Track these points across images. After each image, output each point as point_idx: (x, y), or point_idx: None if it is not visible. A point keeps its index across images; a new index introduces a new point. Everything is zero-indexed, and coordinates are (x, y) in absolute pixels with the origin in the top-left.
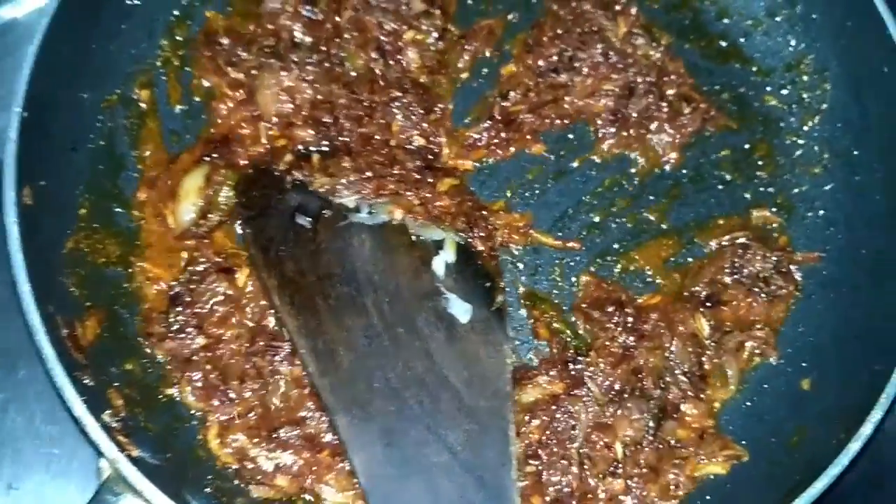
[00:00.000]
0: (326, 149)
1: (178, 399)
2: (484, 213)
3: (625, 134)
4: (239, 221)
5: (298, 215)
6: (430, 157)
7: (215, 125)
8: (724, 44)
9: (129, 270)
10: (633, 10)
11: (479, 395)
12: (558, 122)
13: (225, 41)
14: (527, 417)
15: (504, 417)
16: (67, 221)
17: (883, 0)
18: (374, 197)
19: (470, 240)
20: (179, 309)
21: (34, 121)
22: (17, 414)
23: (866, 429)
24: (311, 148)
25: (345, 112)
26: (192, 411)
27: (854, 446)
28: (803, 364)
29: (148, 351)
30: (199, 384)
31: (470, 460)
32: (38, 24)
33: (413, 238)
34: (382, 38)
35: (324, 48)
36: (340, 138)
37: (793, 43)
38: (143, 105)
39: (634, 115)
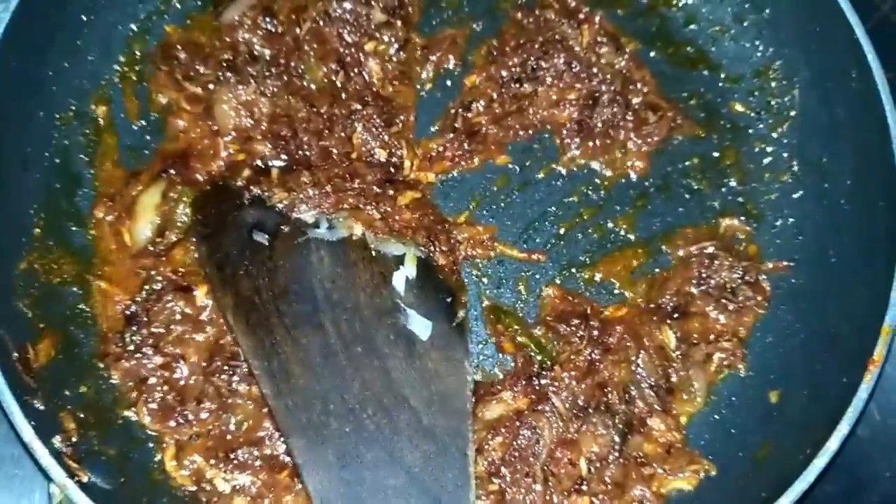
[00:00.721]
0: (285, 163)
1: (133, 421)
2: (446, 226)
3: (590, 144)
4: (195, 238)
5: (256, 232)
6: (392, 170)
7: (172, 140)
8: (691, 50)
9: (85, 290)
10: (597, 19)
11: (439, 414)
12: (522, 132)
13: (182, 55)
14: (489, 434)
15: (464, 437)
16: (20, 241)
17: (850, 4)
18: (333, 212)
19: (431, 254)
20: (136, 328)
21: None
22: None
23: (832, 443)
24: (270, 162)
25: (304, 126)
26: (149, 433)
27: (820, 462)
28: (771, 376)
29: (103, 372)
30: (156, 405)
31: (427, 482)
32: None
33: (373, 253)
34: (343, 49)
35: (283, 61)
36: (300, 152)
37: (761, 49)
38: (100, 121)
39: (599, 124)
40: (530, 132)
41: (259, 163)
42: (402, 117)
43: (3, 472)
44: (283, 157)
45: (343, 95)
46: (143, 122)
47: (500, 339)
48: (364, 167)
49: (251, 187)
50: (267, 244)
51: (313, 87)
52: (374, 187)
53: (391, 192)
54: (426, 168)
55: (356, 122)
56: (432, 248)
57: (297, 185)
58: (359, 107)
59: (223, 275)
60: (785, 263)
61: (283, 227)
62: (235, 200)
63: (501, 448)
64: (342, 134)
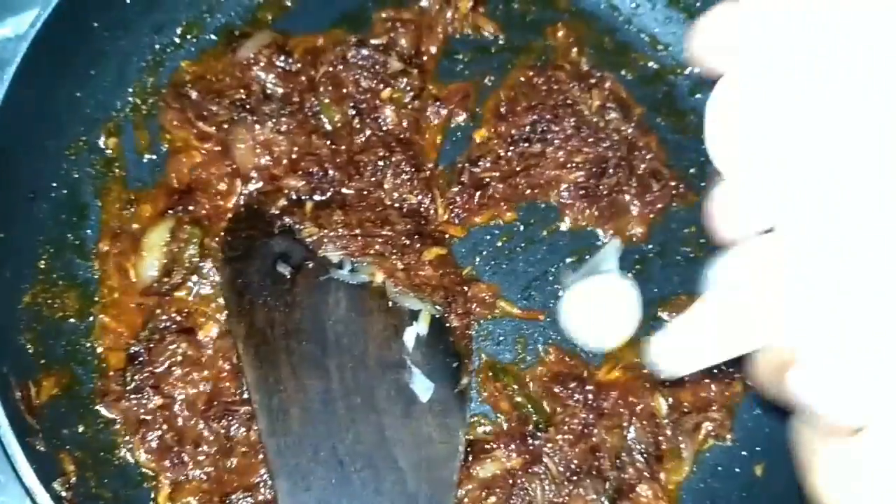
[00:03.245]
0: (321, 198)
1: (130, 462)
2: (465, 288)
3: (594, 207)
4: (221, 259)
5: (280, 263)
6: (422, 220)
7: (179, 175)
8: (694, 119)
9: (87, 326)
10: (608, 84)
11: (425, 480)
12: (529, 192)
13: (194, 94)
14: (483, 493)
15: None
16: (26, 274)
17: None
18: (359, 255)
19: (446, 315)
20: (138, 367)
21: None
22: None
23: None
24: (303, 196)
25: (328, 164)
26: (145, 472)
27: None
28: (757, 448)
29: (102, 411)
30: (154, 443)
31: None
32: (4, 54)
33: (389, 304)
34: (358, 95)
35: (296, 100)
36: (332, 189)
37: None
38: (109, 153)
39: (604, 189)
40: (536, 192)
41: (294, 195)
42: (429, 164)
43: None
44: (318, 192)
45: (362, 138)
46: (154, 156)
47: (496, 397)
48: (396, 215)
49: (284, 217)
50: (289, 276)
51: (329, 127)
52: (402, 237)
53: (417, 245)
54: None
55: (386, 168)
56: (448, 310)
57: (328, 222)
58: (384, 153)
59: (241, 301)
60: None
61: (307, 263)
62: (267, 228)
63: None
64: (373, 179)
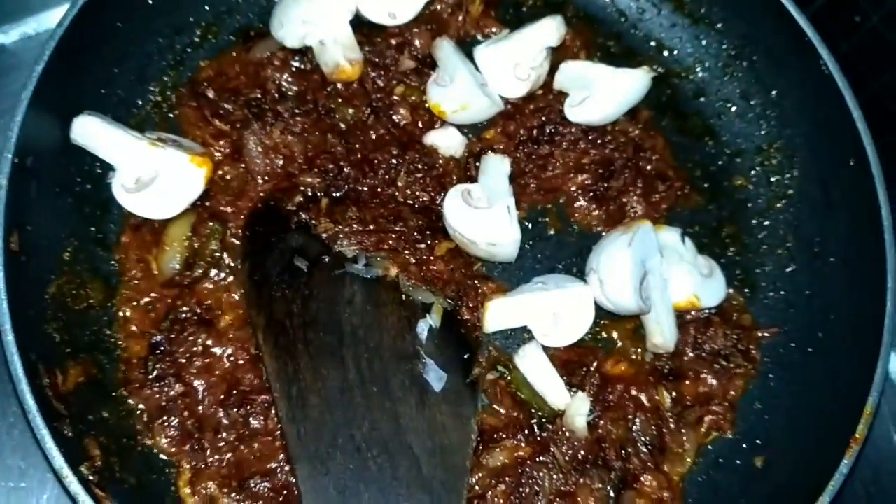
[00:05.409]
0: (336, 194)
1: (153, 448)
2: (476, 282)
3: (602, 209)
4: (240, 254)
5: (297, 258)
6: (434, 216)
7: None
8: (698, 121)
9: (111, 316)
10: None
11: (439, 466)
12: (538, 192)
13: (211, 93)
14: (493, 481)
15: (459, 494)
16: (51, 266)
17: (852, 95)
18: (373, 250)
19: (458, 308)
20: (159, 356)
21: (23, 166)
22: None
23: None
24: (319, 193)
25: (343, 161)
26: (167, 459)
27: None
28: (757, 441)
29: (126, 398)
30: (175, 430)
31: None
32: (26, 51)
33: (403, 297)
34: (372, 93)
35: (310, 98)
36: (347, 186)
37: (764, 127)
38: None
39: (611, 189)
40: (545, 192)
41: (310, 191)
42: (441, 161)
43: (10, 486)
44: (334, 189)
45: (374, 136)
46: None
47: (501, 392)
48: (408, 211)
49: (300, 213)
50: (306, 271)
51: (342, 125)
52: (415, 233)
53: (429, 240)
54: None
55: (399, 166)
56: (459, 303)
57: (343, 218)
58: (398, 152)
59: (260, 294)
60: (774, 329)
61: (323, 257)
62: (284, 223)
63: (504, 496)
64: (387, 176)
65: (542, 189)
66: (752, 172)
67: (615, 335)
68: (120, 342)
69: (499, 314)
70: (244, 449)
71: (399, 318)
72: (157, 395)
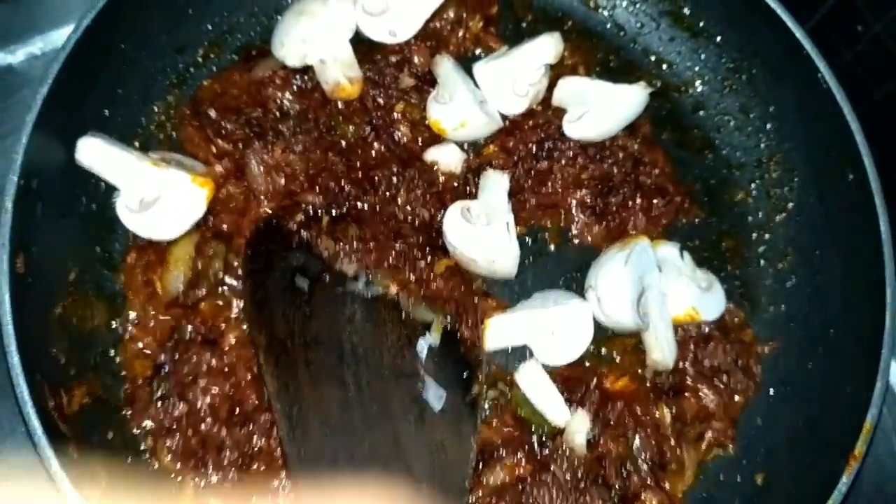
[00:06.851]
0: (337, 213)
1: (157, 469)
2: (476, 299)
3: (601, 222)
4: (241, 274)
5: (298, 277)
6: (434, 233)
7: None
8: (698, 134)
9: (116, 336)
10: None
11: (438, 489)
12: (537, 208)
13: (212, 113)
14: (493, 500)
15: None
16: (57, 287)
17: (851, 108)
18: (373, 268)
19: (457, 326)
20: (164, 377)
21: (28, 188)
22: None
23: None
24: (320, 211)
25: (344, 179)
26: (171, 476)
27: None
28: (758, 459)
29: (130, 418)
30: (179, 449)
31: None
32: (33, 70)
33: (403, 315)
34: (373, 111)
35: (311, 116)
36: (349, 204)
37: (764, 140)
38: None
39: (611, 205)
40: (544, 208)
41: (311, 210)
42: (441, 178)
43: None
44: (334, 207)
45: (374, 153)
46: None
47: (502, 409)
48: (408, 228)
49: (302, 231)
50: (306, 290)
51: (343, 143)
52: (415, 250)
53: (429, 257)
54: None
55: (400, 184)
56: (459, 321)
57: (344, 236)
58: (398, 169)
59: (262, 314)
60: (774, 343)
61: (324, 276)
62: (285, 242)
63: None
64: (387, 193)
65: (541, 205)
66: (752, 186)
67: (615, 352)
68: (125, 362)
69: (499, 332)
70: (247, 468)
71: (399, 336)
72: (162, 415)
